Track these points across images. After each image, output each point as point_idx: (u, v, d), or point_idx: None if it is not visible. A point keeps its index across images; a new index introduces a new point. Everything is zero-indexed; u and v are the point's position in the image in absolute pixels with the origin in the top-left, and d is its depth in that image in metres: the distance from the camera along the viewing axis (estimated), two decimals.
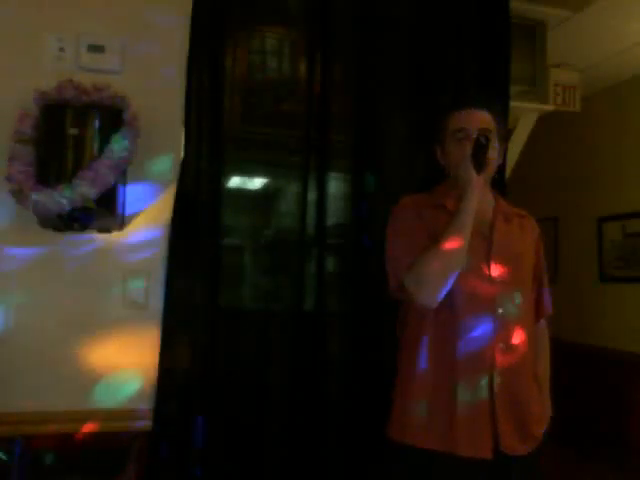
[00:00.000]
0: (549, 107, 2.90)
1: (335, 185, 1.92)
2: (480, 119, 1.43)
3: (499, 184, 1.77)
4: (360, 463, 1.78)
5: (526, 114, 2.89)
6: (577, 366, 3.52)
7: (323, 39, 1.91)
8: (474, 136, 1.38)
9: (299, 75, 1.97)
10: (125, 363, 1.71)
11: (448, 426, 1.33)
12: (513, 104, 2.16)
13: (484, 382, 1.34)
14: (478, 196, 1.36)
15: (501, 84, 2.06)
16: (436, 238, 1.35)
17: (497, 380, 1.34)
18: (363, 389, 1.82)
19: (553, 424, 1.48)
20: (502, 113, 1.69)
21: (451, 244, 1.31)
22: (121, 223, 1.70)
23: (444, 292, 1.33)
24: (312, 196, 1.86)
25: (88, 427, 1.61)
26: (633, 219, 3.42)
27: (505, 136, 1.59)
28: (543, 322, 1.58)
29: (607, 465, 3.18)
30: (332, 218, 1.89)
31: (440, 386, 1.36)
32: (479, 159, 1.35)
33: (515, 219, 1.51)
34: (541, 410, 1.45)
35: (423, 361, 1.38)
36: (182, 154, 1.75)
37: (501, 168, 1.72)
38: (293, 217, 1.89)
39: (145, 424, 1.64)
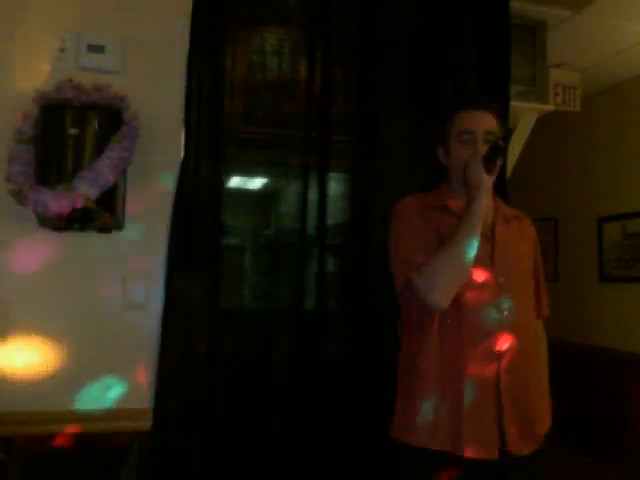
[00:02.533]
0: (549, 107, 2.91)
1: (335, 185, 1.92)
2: (487, 122, 1.44)
3: (499, 184, 1.77)
4: (361, 463, 1.78)
5: (526, 114, 2.89)
6: (577, 366, 3.52)
7: (323, 39, 1.92)
8: (489, 139, 1.39)
9: (299, 75, 1.97)
10: (125, 363, 1.71)
11: (454, 427, 1.33)
12: (513, 104, 2.17)
13: (490, 382, 1.34)
14: (487, 198, 1.36)
15: (501, 84, 2.06)
16: (442, 239, 1.35)
17: (503, 380, 1.34)
18: (363, 389, 1.82)
19: (553, 424, 1.48)
20: (502, 114, 1.69)
21: (463, 246, 1.31)
22: (121, 223, 1.70)
23: (455, 293, 1.33)
24: (312, 196, 1.86)
25: (88, 427, 1.61)
26: (633, 219, 3.41)
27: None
28: (540, 323, 1.58)
29: (607, 465, 3.18)
30: (332, 218, 1.89)
31: (446, 386, 1.35)
32: (492, 162, 1.35)
33: (514, 221, 1.51)
34: (543, 410, 1.46)
35: (428, 361, 1.37)
36: (182, 154, 1.75)
37: (501, 168, 1.72)
38: (293, 217, 1.89)
39: (145, 424, 1.64)
